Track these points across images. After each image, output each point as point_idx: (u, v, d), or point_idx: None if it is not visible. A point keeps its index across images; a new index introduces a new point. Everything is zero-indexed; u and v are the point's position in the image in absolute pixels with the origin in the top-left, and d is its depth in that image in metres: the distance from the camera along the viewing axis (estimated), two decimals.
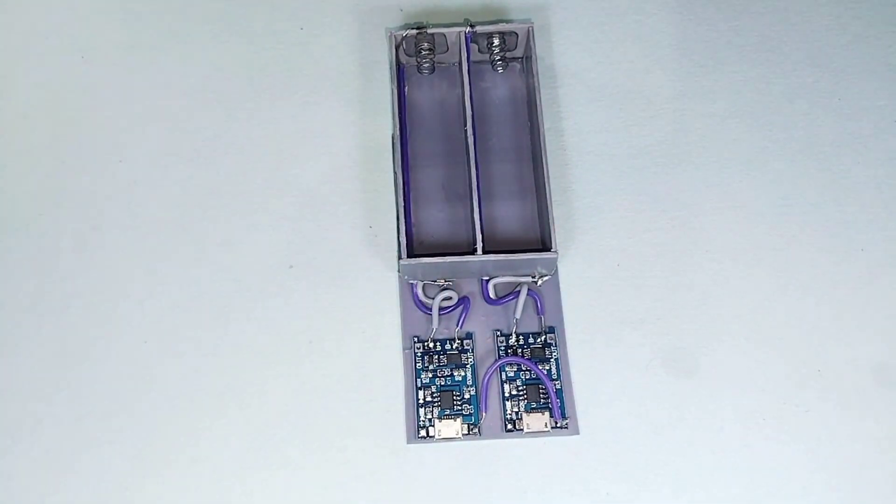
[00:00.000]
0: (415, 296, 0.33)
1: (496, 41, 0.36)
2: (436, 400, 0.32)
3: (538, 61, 0.35)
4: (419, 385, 0.32)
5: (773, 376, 0.32)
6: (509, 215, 0.34)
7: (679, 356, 0.33)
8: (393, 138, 0.35)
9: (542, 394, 0.32)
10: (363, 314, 0.33)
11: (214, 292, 0.34)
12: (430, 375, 0.32)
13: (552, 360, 0.32)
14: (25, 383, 0.32)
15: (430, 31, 0.35)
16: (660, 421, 0.32)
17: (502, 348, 0.33)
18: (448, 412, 0.31)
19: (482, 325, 0.32)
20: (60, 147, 0.36)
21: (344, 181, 0.35)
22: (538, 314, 0.33)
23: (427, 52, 0.36)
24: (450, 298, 0.33)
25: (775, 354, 0.33)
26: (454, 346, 0.32)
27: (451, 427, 0.31)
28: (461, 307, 0.33)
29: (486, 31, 0.35)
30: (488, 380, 0.31)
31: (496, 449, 0.31)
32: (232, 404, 0.32)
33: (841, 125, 0.37)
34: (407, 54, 0.36)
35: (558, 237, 0.32)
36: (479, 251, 0.31)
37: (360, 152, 0.36)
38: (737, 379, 0.32)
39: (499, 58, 0.36)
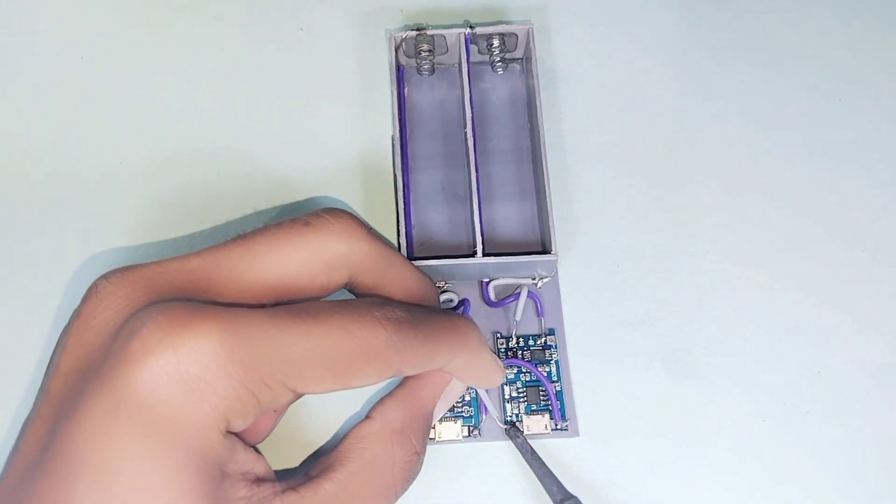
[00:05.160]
0: None
1: (496, 42, 0.35)
2: None
3: (538, 62, 0.35)
4: None
5: (774, 378, 0.32)
6: (509, 217, 0.34)
7: (679, 357, 0.33)
8: (393, 140, 0.35)
9: (543, 396, 0.32)
10: None
11: None
12: None
13: (552, 362, 0.32)
14: (26, 386, 0.32)
15: (429, 32, 0.35)
16: (660, 422, 0.32)
17: (502, 350, 0.33)
18: (449, 414, 0.32)
19: (482, 326, 0.32)
20: (60, 148, 0.36)
21: (343, 183, 0.35)
22: (538, 316, 0.33)
23: (427, 53, 0.36)
24: (450, 301, 0.33)
25: (775, 356, 0.33)
26: None
27: (452, 429, 0.31)
28: (461, 309, 0.33)
29: (486, 33, 0.35)
30: None
31: (496, 451, 0.31)
32: None
33: (841, 126, 0.36)
34: (407, 55, 0.36)
35: (558, 238, 0.32)
36: (480, 253, 0.31)
37: (359, 154, 0.36)
38: (737, 380, 0.32)
39: (499, 59, 0.36)
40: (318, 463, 0.27)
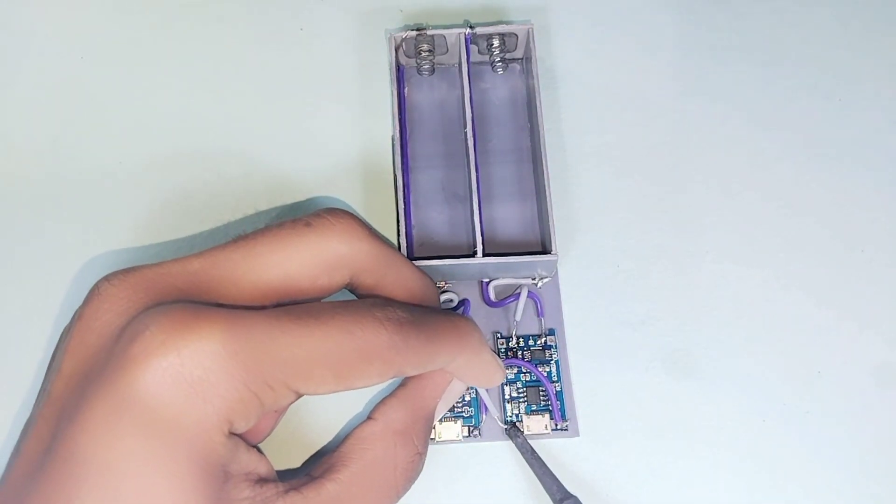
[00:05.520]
0: None
1: (496, 42, 0.35)
2: None
3: (538, 62, 0.35)
4: None
5: (774, 377, 0.32)
6: (509, 217, 0.34)
7: (679, 357, 0.33)
8: (393, 140, 0.35)
9: (543, 396, 0.32)
10: None
11: None
12: None
13: (552, 362, 0.32)
14: (27, 388, 0.32)
15: (429, 32, 0.35)
16: (660, 422, 0.32)
17: (502, 350, 0.33)
18: (449, 414, 0.32)
19: (482, 327, 0.32)
20: (60, 148, 0.36)
21: (343, 183, 0.35)
22: (538, 316, 0.33)
23: (427, 53, 0.36)
24: (450, 301, 0.33)
25: (775, 356, 0.33)
26: None
27: (452, 429, 0.31)
28: (461, 309, 0.33)
29: (486, 33, 0.35)
30: None
31: (496, 451, 0.31)
32: None
33: (842, 126, 0.37)
34: (407, 55, 0.36)
35: (558, 238, 0.32)
36: (480, 254, 0.31)
37: (359, 154, 0.36)
38: (737, 380, 0.32)
39: (499, 59, 0.36)
40: (320, 463, 0.27)
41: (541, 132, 0.33)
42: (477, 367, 0.28)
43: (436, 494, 0.31)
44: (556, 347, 0.33)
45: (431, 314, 0.26)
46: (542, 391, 0.32)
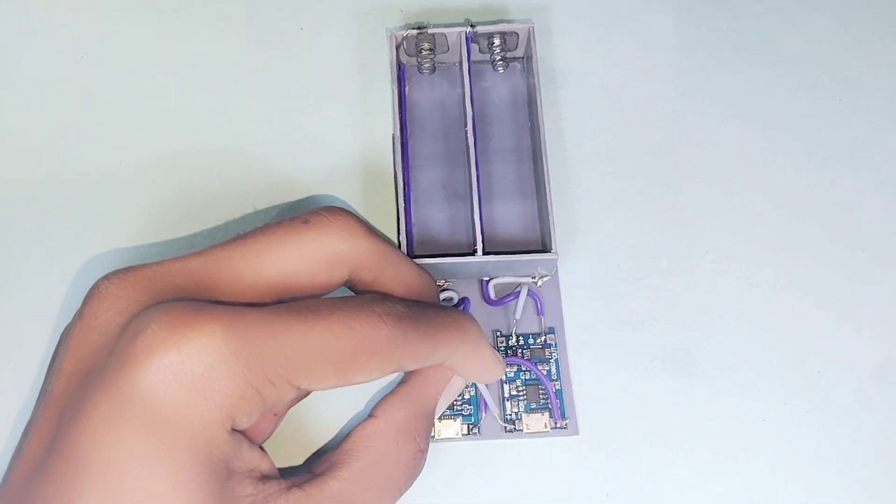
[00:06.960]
0: None
1: (497, 41, 0.36)
2: None
3: (539, 61, 0.35)
4: None
5: (774, 377, 0.32)
6: (509, 216, 0.34)
7: (679, 357, 0.33)
8: (393, 138, 0.35)
9: (542, 394, 0.32)
10: None
11: None
12: None
13: (552, 360, 0.32)
14: (28, 388, 0.32)
15: (430, 30, 0.35)
16: (660, 422, 0.32)
17: (502, 349, 0.33)
18: (448, 412, 0.31)
19: (482, 325, 0.32)
20: (60, 148, 0.36)
21: (344, 181, 0.35)
22: (538, 315, 0.33)
23: (427, 51, 0.36)
24: (450, 299, 0.33)
25: (776, 355, 0.33)
26: None
27: (451, 427, 0.31)
28: (461, 307, 0.33)
29: (487, 31, 0.35)
30: None
31: (496, 449, 0.31)
32: None
33: (842, 126, 0.37)
34: (407, 54, 0.36)
35: (558, 237, 0.32)
36: (480, 252, 0.31)
37: (360, 152, 0.36)
38: (737, 380, 0.32)
39: (499, 58, 0.36)
40: (322, 461, 0.27)
41: (541, 131, 0.33)
42: (476, 361, 0.28)
43: (435, 492, 0.31)
44: (555, 346, 0.33)
45: (430, 309, 0.27)
46: (542, 389, 0.32)
